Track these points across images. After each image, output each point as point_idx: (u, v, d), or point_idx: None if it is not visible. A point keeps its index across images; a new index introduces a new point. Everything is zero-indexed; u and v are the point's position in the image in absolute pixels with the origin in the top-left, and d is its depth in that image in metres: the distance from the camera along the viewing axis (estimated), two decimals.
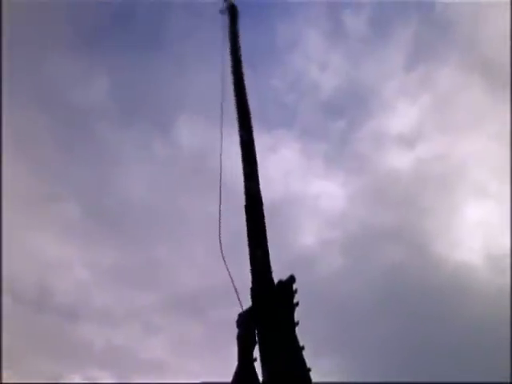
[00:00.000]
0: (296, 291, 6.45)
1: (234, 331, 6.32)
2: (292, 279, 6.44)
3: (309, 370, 6.54)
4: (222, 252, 6.74)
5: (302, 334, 6.54)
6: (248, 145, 7.31)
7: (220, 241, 6.94)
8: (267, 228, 6.81)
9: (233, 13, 9.37)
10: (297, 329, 6.45)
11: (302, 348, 6.44)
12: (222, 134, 7.70)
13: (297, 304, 6.41)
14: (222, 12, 9.53)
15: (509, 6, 18.15)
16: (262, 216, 6.85)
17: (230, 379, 6.43)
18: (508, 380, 12.96)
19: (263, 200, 7.02)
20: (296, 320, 6.35)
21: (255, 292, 6.38)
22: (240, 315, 6.18)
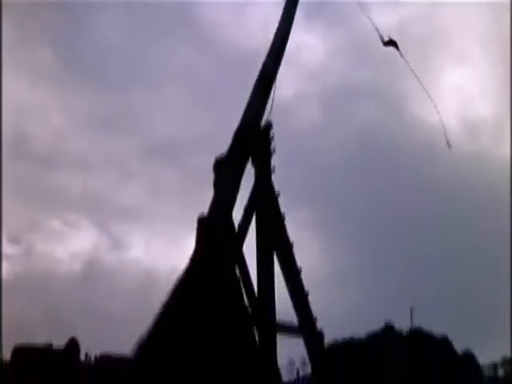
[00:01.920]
0: (273, 138, 6.46)
1: (210, 177, 6.38)
2: (269, 125, 6.42)
3: (284, 217, 6.74)
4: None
5: (278, 182, 6.66)
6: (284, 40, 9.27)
7: None
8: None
9: None
10: (273, 176, 6.57)
11: (278, 194, 6.58)
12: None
13: (274, 151, 6.46)
14: None
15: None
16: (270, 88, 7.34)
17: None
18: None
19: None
20: (272, 166, 6.45)
21: (238, 134, 6.38)
22: (217, 160, 6.19)
